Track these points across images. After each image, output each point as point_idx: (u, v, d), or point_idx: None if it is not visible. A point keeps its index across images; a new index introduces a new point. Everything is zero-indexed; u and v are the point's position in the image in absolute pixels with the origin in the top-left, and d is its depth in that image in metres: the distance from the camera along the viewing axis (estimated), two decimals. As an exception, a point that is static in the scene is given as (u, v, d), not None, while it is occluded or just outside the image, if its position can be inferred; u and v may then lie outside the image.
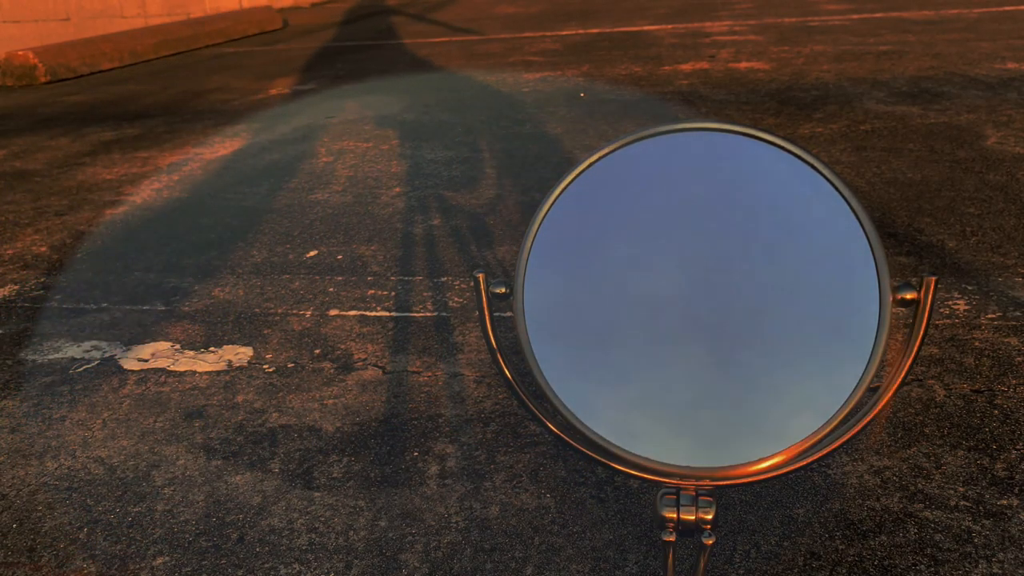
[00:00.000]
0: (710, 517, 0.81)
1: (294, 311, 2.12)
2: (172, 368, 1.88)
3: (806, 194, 0.80)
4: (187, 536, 1.34)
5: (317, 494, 1.42)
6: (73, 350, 1.99)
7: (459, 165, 3.29)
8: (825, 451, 0.80)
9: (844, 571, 1.17)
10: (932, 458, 1.39)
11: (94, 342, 2.03)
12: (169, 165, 3.64)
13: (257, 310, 2.14)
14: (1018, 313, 1.85)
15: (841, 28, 5.97)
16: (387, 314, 2.07)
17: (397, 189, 3.05)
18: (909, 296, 0.78)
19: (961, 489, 1.31)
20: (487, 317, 0.86)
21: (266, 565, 1.26)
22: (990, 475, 1.34)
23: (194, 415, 1.68)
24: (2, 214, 3.11)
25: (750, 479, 0.80)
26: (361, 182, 3.17)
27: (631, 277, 0.83)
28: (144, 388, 1.80)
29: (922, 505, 1.28)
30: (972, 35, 5.25)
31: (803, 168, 0.80)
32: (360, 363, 1.84)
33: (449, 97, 4.60)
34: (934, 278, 0.78)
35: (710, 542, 0.80)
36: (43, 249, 2.71)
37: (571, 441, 0.85)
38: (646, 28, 6.71)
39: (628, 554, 1.23)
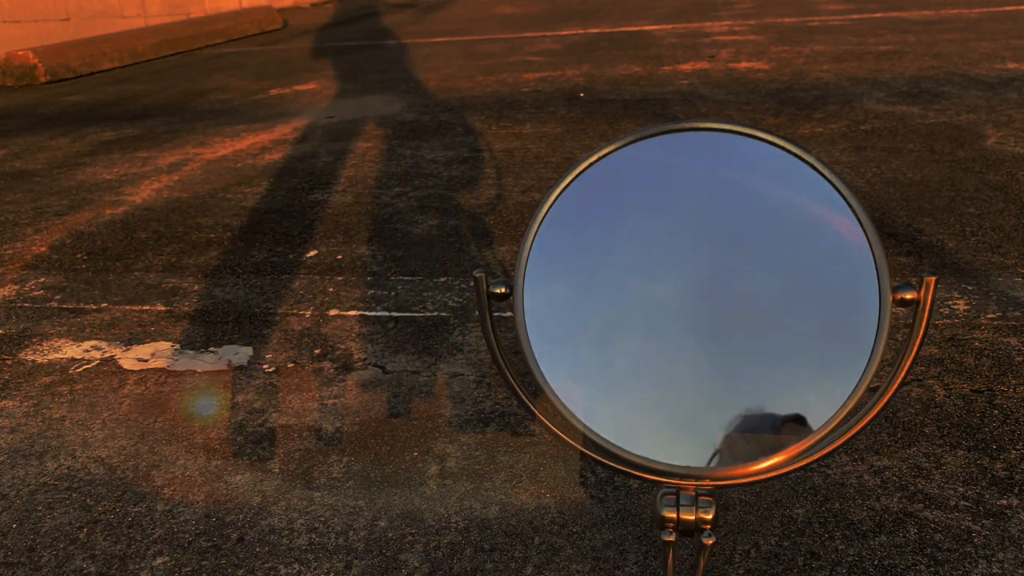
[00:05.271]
0: (710, 517, 0.81)
1: (294, 311, 2.12)
2: (172, 368, 1.88)
3: (806, 194, 0.80)
4: (187, 536, 1.34)
5: (317, 494, 1.42)
6: (73, 350, 1.99)
7: (459, 165, 3.29)
8: (825, 451, 0.80)
9: (844, 571, 1.17)
10: (932, 458, 1.39)
11: (94, 342, 2.03)
12: (169, 165, 3.64)
13: (257, 310, 2.14)
14: (1018, 313, 1.85)
15: (841, 28, 5.97)
16: (387, 314, 2.07)
17: (397, 189, 3.05)
18: (909, 296, 0.78)
19: (961, 489, 1.31)
20: (487, 317, 0.86)
21: (266, 565, 1.26)
22: (990, 475, 1.34)
23: (194, 415, 1.68)
24: (2, 214, 3.11)
25: (750, 479, 0.80)
26: (361, 182, 3.17)
27: (631, 277, 0.83)
28: (144, 388, 1.80)
29: (922, 505, 1.28)
30: (972, 35, 5.25)
31: (803, 168, 0.80)
32: (360, 363, 1.84)
33: (449, 97, 4.60)
34: (934, 278, 0.78)
35: (710, 542, 0.80)
36: (43, 249, 2.71)
37: (571, 441, 0.85)
38: (646, 28, 6.71)
39: (628, 554, 1.23)
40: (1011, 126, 3.22)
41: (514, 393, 0.88)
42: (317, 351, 1.91)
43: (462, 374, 1.76)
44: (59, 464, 1.55)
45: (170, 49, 7.53)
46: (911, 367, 0.80)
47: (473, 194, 2.93)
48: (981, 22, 5.72)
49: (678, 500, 0.81)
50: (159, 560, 1.29)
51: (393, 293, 2.18)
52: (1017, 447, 1.41)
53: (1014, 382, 1.59)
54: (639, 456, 0.81)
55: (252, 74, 6.02)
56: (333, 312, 2.10)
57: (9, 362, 1.96)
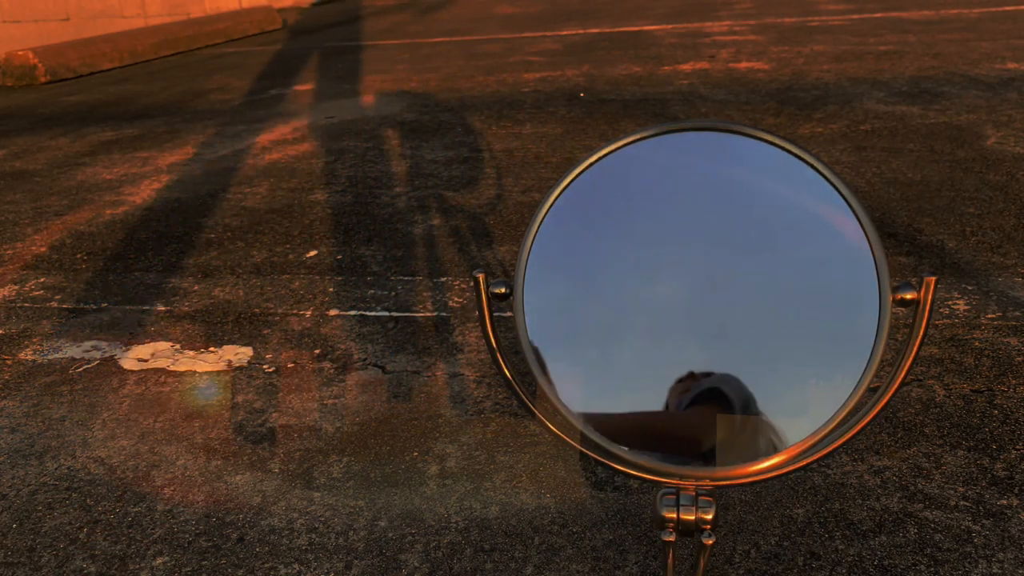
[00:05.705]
0: (710, 517, 0.81)
1: (294, 311, 2.12)
2: (172, 368, 1.88)
3: (806, 194, 0.80)
4: (187, 536, 1.34)
5: (317, 494, 1.42)
6: (73, 350, 1.99)
7: (459, 165, 3.29)
8: (825, 451, 0.80)
9: (844, 571, 1.17)
10: (932, 458, 1.39)
11: (94, 342, 2.03)
12: (169, 165, 3.64)
13: (257, 310, 2.14)
14: (1018, 313, 1.85)
15: (841, 28, 5.97)
16: (387, 314, 2.07)
17: (397, 189, 3.05)
18: (909, 296, 0.78)
19: (961, 489, 1.31)
20: (487, 317, 0.86)
21: (266, 565, 1.26)
22: (990, 475, 1.34)
23: (194, 415, 1.68)
24: (2, 214, 3.11)
25: (750, 479, 0.80)
26: (361, 182, 3.17)
27: (631, 277, 0.83)
28: (144, 388, 1.80)
29: (922, 505, 1.28)
30: (972, 35, 5.25)
31: (803, 168, 0.80)
32: (360, 363, 1.84)
33: (449, 97, 4.60)
34: (934, 278, 0.78)
35: (710, 542, 0.80)
36: (43, 249, 2.71)
37: (571, 441, 0.84)
38: (646, 28, 6.71)
39: (628, 554, 1.23)
40: (1011, 126, 3.22)
41: (514, 393, 0.88)
42: (317, 351, 1.91)
43: (462, 374, 1.76)
44: (59, 464, 1.55)
45: (170, 49, 7.53)
46: (911, 367, 0.80)
47: (473, 194, 2.93)
48: (981, 22, 5.72)
49: (678, 500, 0.81)
50: (159, 560, 1.29)
51: (393, 293, 2.18)
52: (1017, 447, 1.41)
53: (1014, 382, 1.59)
54: (639, 456, 0.81)
55: (252, 74, 6.02)
56: (333, 312, 2.10)
57: (9, 362, 1.96)
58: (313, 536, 1.32)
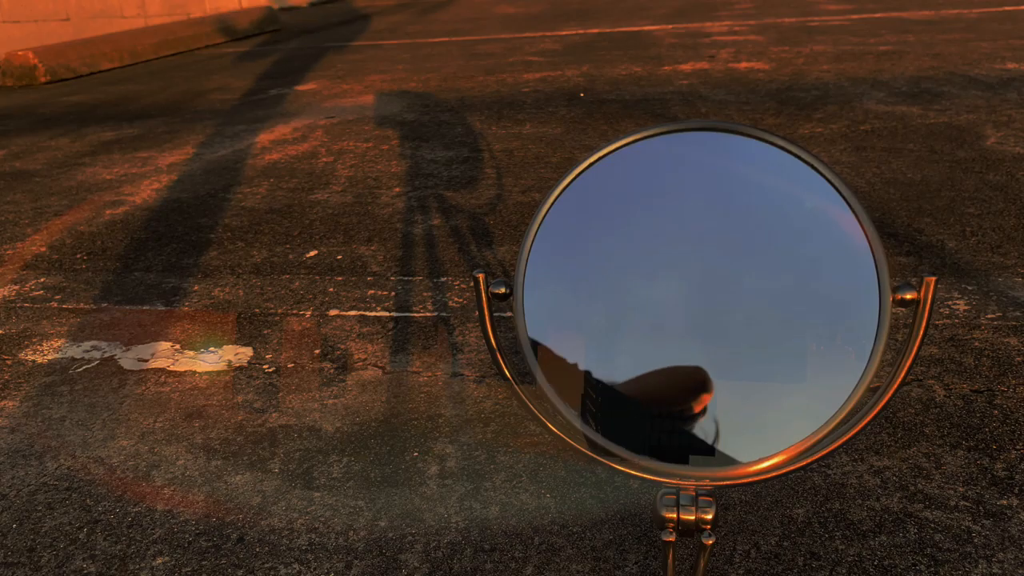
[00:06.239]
0: (710, 517, 0.81)
1: (294, 311, 2.12)
2: (172, 368, 1.88)
3: (806, 194, 0.80)
4: (187, 536, 1.34)
5: (317, 494, 1.42)
6: (73, 350, 1.99)
7: (459, 165, 3.29)
8: (825, 451, 0.80)
9: (844, 571, 1.17)
10: (932, 458, 1.39)
11: (94, 342, 2.03)
12: (169, 165, 3.64)
13: (257, 310, 2.14)
14: (1018, 313, 1.85)
15: (841, 28, 5.97)
16: (387, 314, 2.07)
17: (397, 189, 3.05)
18: (909, 296, 0.78)
19: (961, 489, 1.31)
20: (487, 317, 0.86)
21: (266, 565, 1.26)
22: (990, 475, 1.34)
23: (194, 415, 1.69)
24: (2, 214, 3.11)
25: (750, 479, 0.80)
26: (361, 182, 3.17)
27: (631, 277, 0.83)
28: (144, 388, 1.80)
29: (922, 505, 1.28)
30: (972, 35, 5.25)
31: (803, 168, 0.80)
32: (360, 363, 1.84)
33: (449, 97, 4.60)
34: (934, 278, 0.77)
35: (710, 542, 0.80)
36: (43, 249, 2.71)
37: (571, 441, 0.84)
38: (646, 28, 6.71)
39: (628, 554, 1.23)
40: (1011, 126, 3.22)
41: (514, 393, 0.88)
42: (317, 351, 1.91)
43: (462, 374, 1.76)
44: (59, 464, 1.55)
45: (170, 49, 7.53)
46: (911, 367, 0.80)
47: (473, 194, 2.93)
48: (981, 22, 5.72)
49: (678, 500, 0.81)
50: (159, 560, 1.29)
51: (393, 293, 2.18)
52: (1017, 447, 1.41)
53: (1014, 382, 1.59)
54: (639, 456, 0.81)
55: (252, 74, 6.02)
56: (333, 312, 2.10)
57: (9, 362, 1.96)
58: (313, 536, 1.32)
